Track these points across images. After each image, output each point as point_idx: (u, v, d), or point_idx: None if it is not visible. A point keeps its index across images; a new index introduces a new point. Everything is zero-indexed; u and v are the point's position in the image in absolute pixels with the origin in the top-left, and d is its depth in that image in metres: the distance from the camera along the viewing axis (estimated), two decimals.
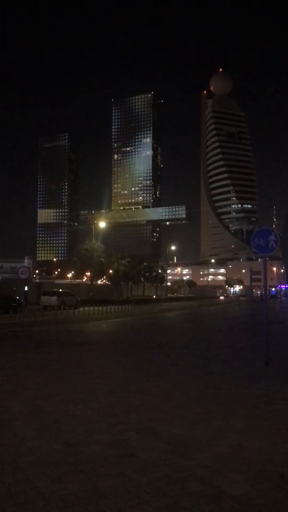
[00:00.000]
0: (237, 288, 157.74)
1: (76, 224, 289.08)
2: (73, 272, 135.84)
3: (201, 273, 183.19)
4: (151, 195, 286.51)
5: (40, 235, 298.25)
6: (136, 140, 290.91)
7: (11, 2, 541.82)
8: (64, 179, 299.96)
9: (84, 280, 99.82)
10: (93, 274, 65.06)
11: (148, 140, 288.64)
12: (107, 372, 10.52)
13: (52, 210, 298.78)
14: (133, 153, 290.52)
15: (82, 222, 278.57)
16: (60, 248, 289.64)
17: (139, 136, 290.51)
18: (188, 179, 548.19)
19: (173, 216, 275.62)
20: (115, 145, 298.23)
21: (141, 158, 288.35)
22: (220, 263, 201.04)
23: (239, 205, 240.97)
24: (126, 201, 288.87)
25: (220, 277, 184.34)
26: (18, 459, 4.89)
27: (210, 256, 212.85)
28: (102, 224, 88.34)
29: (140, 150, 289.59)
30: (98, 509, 3.77)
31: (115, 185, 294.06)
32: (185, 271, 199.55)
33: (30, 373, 10.27)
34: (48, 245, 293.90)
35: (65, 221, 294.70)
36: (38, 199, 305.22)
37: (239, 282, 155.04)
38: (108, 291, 65.73)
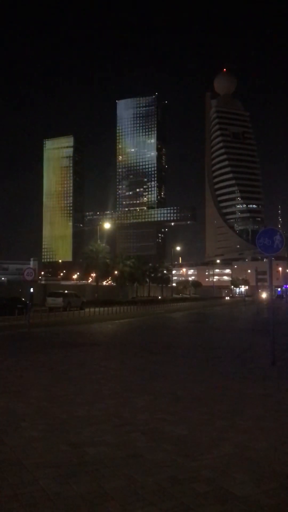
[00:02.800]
0: (243, 288, 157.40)
1: (81, 225, 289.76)
2: (78, 273, 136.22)
3: (207, 273, 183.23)
4: (155, 196, 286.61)
5: (46, 237, 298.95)
6: (141, 141, 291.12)
7: (13, 5, 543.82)
8: (69, 180, 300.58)
9: (89, 281, 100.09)
10: (99, 275, 65.11)
11: (152, 140, 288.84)
12: (113, 373, 10.52)
13: (57, 212, 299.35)
14: (138, 154, 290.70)
15: (87, 223, 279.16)
16: (65, 250, 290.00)
17: (144, 137, 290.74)
18: (193, 179, 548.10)
19: (178, 217, 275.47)
20: (120, 146, 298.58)
21: (146, 159, 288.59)
22: (226, 263, 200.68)
23: (244, 205, 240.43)
24: (131, 202, 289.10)
25: (225, 278, 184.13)
26: (24, 461, 4.90)
27: (215, 256, 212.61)
28: (107, 225, 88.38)
29: (144, 151, 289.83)
30: (104, 510, 3.77)
31: (120, 186, 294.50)
32: (191, 271, 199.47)
33: (35, 374, 10.28)
34: (54, 246, 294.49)
35: (70, 223, 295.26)
36: (43, 201, 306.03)
37: (245, 282, 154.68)
38: (114, 292, 65.78)
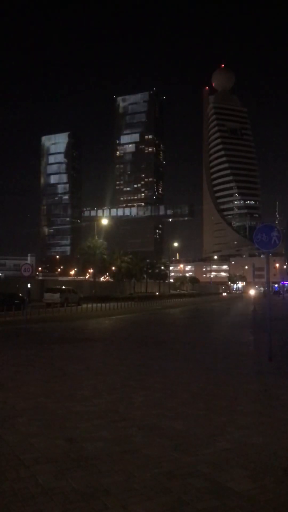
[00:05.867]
0: (240, 284, 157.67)
1: (78, 221, 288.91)
2: (76, 269, 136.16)
3: (204, 269, 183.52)
4: (153, 191, 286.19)
5: (43, 232, 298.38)
6: (138, 136, 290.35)
7: (12, 1, 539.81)
8: (66, 176, 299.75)
9: (87, 277, 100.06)
10: (96, 271, 65.13)
11: (150, 136, 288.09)
12: (110, 368, 10.54)
13: (54, 207, 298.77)
14: (136, 150, 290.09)
15: (84, 219, 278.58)
16: (63, 245, 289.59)
17: (141, 133, 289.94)
18: (191, 175, 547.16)
19: (176, 213, 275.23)
20: (117, 142, 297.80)
21: (144, 155, 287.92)
22: (223, 260, 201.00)
23: (242, 201, 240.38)
24: (129, 198, 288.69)
25: (223, 274, 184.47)
26: (22, 456, 4.90)
27: (212, 252, 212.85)
28: (104, 221, 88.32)
29: (142, 147, 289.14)
30: (101, 505, 3.78)
31: (118, 182, 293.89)
32: (188, 267, 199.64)
33: (33, 370, 10.29)
34: (51, 242, 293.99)
35: (68, 218, 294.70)
36: (41, 196, 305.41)
37: (242, 279, 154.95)
38: (111, 288, 65.78)
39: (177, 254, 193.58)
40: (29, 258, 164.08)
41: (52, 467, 4.59)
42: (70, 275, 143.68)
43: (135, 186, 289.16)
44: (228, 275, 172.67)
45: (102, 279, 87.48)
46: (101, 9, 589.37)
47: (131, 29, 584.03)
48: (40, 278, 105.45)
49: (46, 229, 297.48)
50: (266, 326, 11.85)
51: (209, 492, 4.03)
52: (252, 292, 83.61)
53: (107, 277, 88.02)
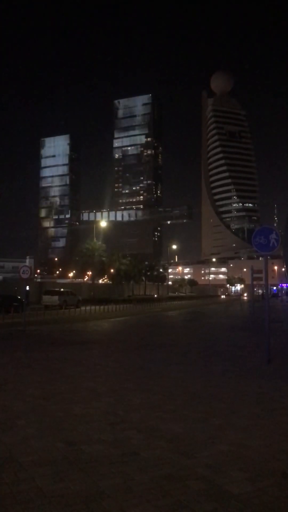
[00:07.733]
0: (239, 287, 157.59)
1: (77, 223, 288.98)
2: (74, 271, 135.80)
3: (202, 272, 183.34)
4: (152, 194, 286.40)
5: (42, 234, 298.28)
6: (137, 139, 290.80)
7: (11, 3, 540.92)
8: (65, 178, 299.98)
9: (85, 279, 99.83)
10: (95, 274, 65.07)
11: (149, 139, 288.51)
12: (109, 370, 10.53)
13: (53, 209, 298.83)
14: (134, 152, 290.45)
15: (83, 221, 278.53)
16: (61, 248, 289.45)
17: (140, 136, 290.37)
18: (189, 178, 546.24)
19: (174, 215, 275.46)
20: (116, 145, 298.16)
21: (142, 157, 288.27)
22: (221, 262, 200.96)
23: (240, 204, 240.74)
24: (127, 200, 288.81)
25: (221, 276, 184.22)
26: (20, 458, 4.90)
27: (211, 255, 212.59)
28: (103, 223, 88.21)
29: (141, 149, 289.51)
30: (100, 508, 3.78)
31: (116, 184, 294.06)
32: (187, 270, 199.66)
33: (32, 372, 10.28)
34: (50, 244, 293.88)
35: (67, 221, 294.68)
36: (40, 198, 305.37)
37: (241, 281, 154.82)
38: (110, 290, 65.77)
39: (176, 256, 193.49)
40: (27, 260, 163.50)
41: (51, 469, 4.59)
42: (68, 278, 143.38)
43: (133, 188, 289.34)
44: (226, 277, 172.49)
45: (100, 281, 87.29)
46: (101, 12, 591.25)
47: (130, 32, 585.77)
48: (39, 280, 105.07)
49: (44, 232, 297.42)
50: (265, 329, 11.86)
51: (208, 495, 4.03)
52: (245, 295, 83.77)
53: (105, 280, 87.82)
